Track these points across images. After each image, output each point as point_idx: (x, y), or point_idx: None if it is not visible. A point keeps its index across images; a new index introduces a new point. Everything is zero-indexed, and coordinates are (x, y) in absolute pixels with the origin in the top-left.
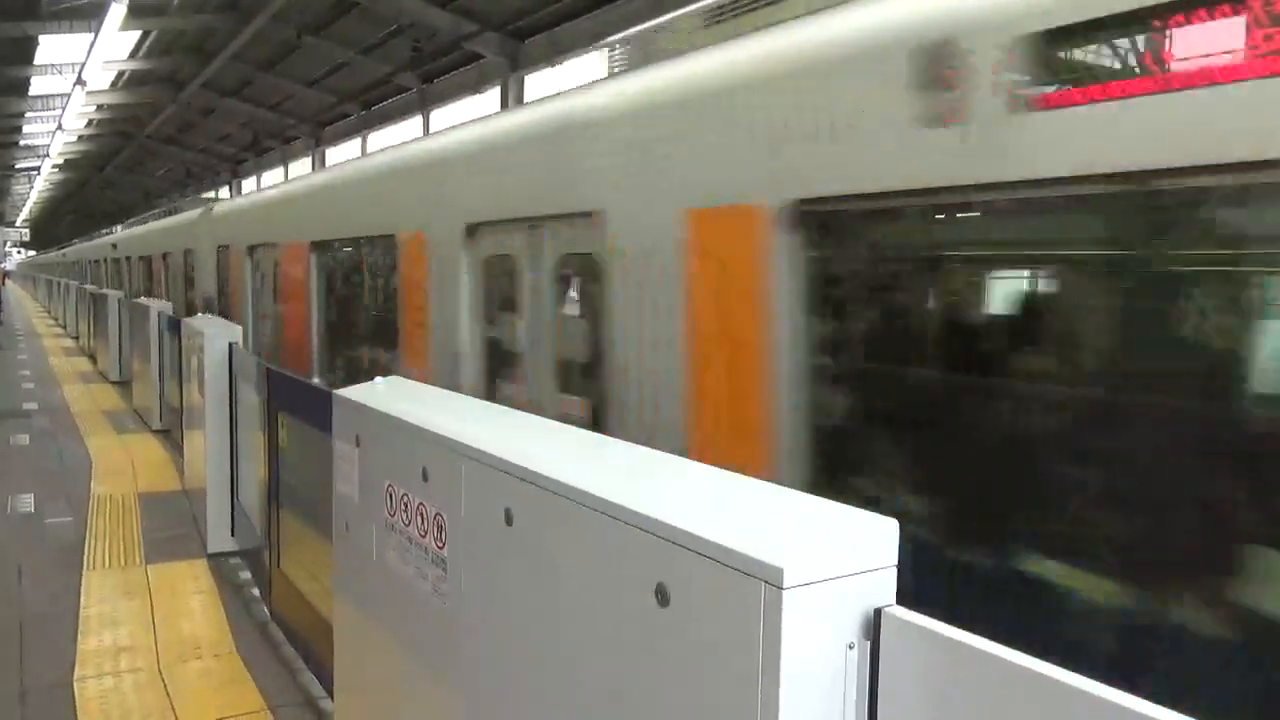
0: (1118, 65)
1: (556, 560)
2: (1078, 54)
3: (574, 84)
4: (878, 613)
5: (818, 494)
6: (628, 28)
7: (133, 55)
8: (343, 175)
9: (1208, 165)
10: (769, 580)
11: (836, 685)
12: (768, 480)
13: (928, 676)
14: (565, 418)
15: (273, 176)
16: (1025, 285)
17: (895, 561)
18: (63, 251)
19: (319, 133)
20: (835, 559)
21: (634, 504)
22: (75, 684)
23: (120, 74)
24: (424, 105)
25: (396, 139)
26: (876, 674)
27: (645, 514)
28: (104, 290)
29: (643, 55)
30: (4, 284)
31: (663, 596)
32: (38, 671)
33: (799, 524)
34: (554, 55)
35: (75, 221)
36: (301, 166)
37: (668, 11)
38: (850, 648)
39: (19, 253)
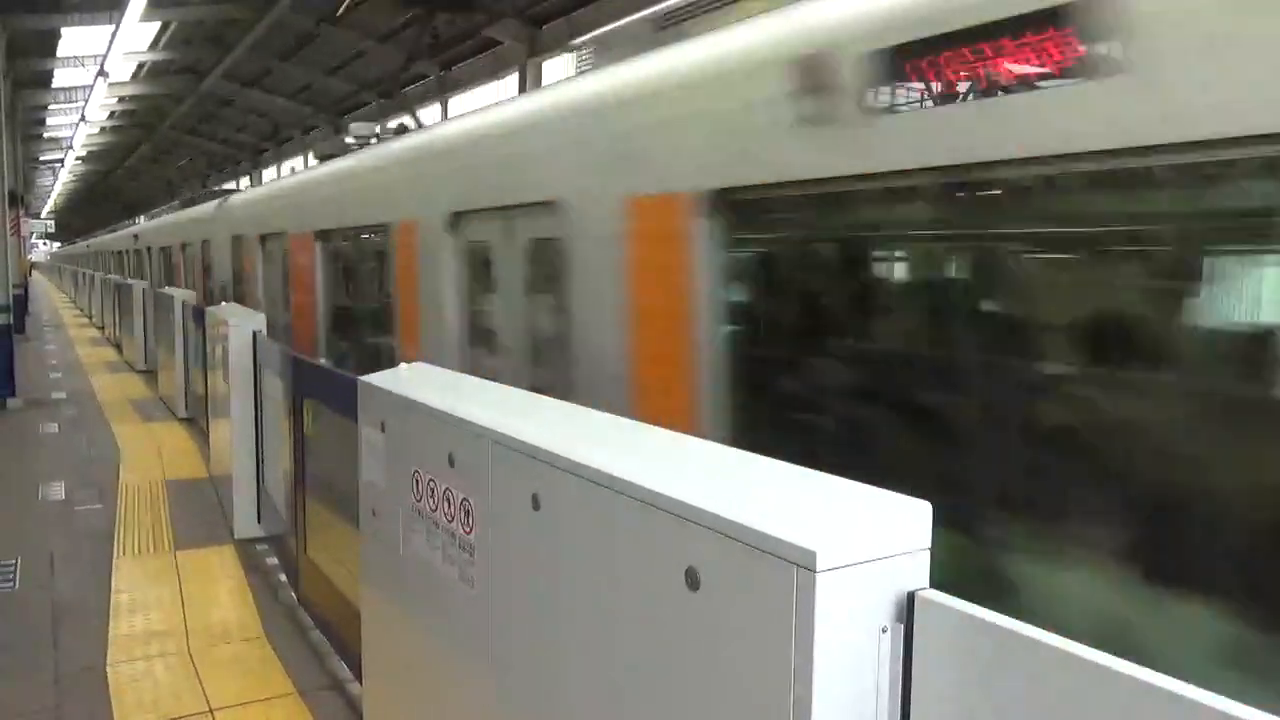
0: None
1: (585, 544)
2: None
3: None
4: (911, 596)
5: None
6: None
7: (153, 46)
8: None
9: None
10: (802, 564)
11: (869, 669)
12: None
13: (962, 660)
14: None
15: (295, 165)
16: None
17: (929, 544)
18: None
19: (339, 121)
20: (868, 542)
21: (663, 487)
22: (108, 668)
23: (141, 65)
24: (442, 92)
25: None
26: (910, 658)
27: (675, 497)
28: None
29: None
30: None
31: (693, 580)
32: (71, 656)
33: (830, 507)
34: (571, 40)
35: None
36: None
37: None
38: (884, 631)
39: (45, 244)
